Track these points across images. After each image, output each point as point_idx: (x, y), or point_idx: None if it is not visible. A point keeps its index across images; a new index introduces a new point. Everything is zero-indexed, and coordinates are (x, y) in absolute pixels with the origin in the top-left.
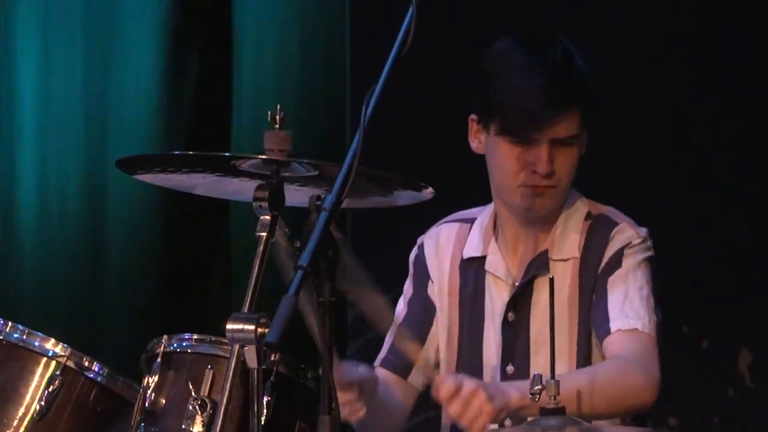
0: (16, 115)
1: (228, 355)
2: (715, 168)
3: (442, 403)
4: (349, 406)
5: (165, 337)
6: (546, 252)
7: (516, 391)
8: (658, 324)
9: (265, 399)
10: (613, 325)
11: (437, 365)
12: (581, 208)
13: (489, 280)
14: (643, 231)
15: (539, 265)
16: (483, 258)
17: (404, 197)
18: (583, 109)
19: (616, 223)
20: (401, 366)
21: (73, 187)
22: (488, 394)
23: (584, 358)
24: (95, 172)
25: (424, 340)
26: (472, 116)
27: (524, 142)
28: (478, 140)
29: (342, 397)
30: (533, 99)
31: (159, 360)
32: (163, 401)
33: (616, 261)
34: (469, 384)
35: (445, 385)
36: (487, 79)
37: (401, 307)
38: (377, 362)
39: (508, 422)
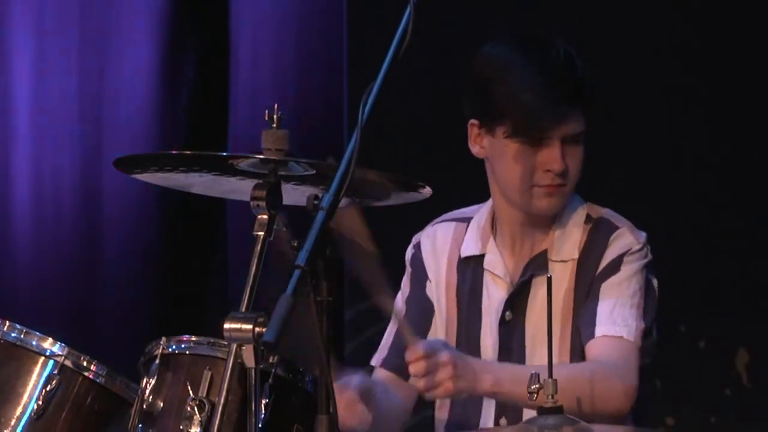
0: (10, 114)
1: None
2: (713, 168)
3: (408, 363)
4: (358, 417)
5: (163, 339)
6: (545, 252)
7: (491, 377)
8: (644, 332)
9: (263, 401)
10: (599, 330)
11: None
12: (580, 210)
13: (487, 279)
14: (642, 237)
15: (538, 264)
16: (481, 256)
17: (401, 197)
18: (587, 105)
19: (617, 227)
20: (402, 366)
21: (69, 187)
22: (457, 373)
23: (578, 360)
24: (91, 171)
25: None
26: (473, 121)
27: (536, 142)
28: (479, 145)
29: (344, 408)
30: (542, 98)
31: (157, 362)
32: (161, 403)
33: (615, 266)
34: (442, 355)
35: (416, 348)
36: (486, 82)
37: (399, 305)
38: (376, 362)
39: (503, 421)
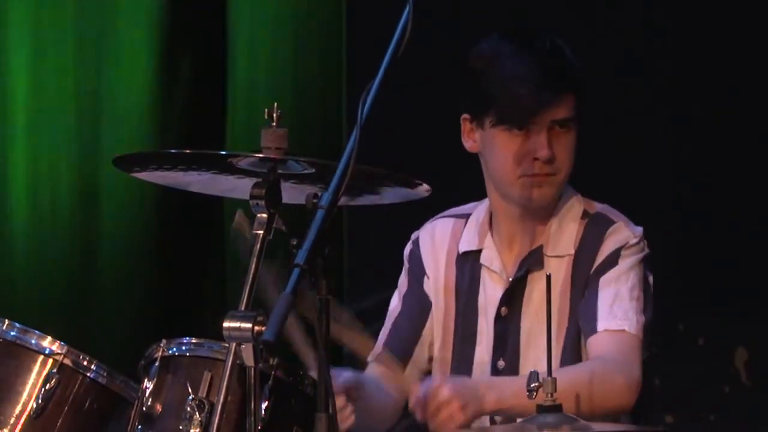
0: (7, 112)
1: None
2: (711, 166)
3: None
4: (339, 414)
5: (163, 341)
6: (541, 248)
7: (494, 395)
8: (645, 325)
9: (263, 404)
10: (600, 324)
11: (430, 360)
12: (577, 205)
13: (484, 274)
14: (639, 231)
15: (534, 260)
16: (478, 252)
17: (401, 195)
18: (576, 93)
19: (612, 222)
20: (397, 355)
21: (66, 186)
22: (462, 403)
23: (574, 355)
24: (88, 170)
25: (419, 335)
26: (464, 116)
27: (523, 127)
28: (472, 139)
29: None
30: (527, 84)
31: (157, 364)
32: (161, 404)
33: (612, 260)
34: (442, 392)
35: (417, 396)
36: (476, 75)
37: (396, 302)
38: (371, 358)
39: (498, 418)
